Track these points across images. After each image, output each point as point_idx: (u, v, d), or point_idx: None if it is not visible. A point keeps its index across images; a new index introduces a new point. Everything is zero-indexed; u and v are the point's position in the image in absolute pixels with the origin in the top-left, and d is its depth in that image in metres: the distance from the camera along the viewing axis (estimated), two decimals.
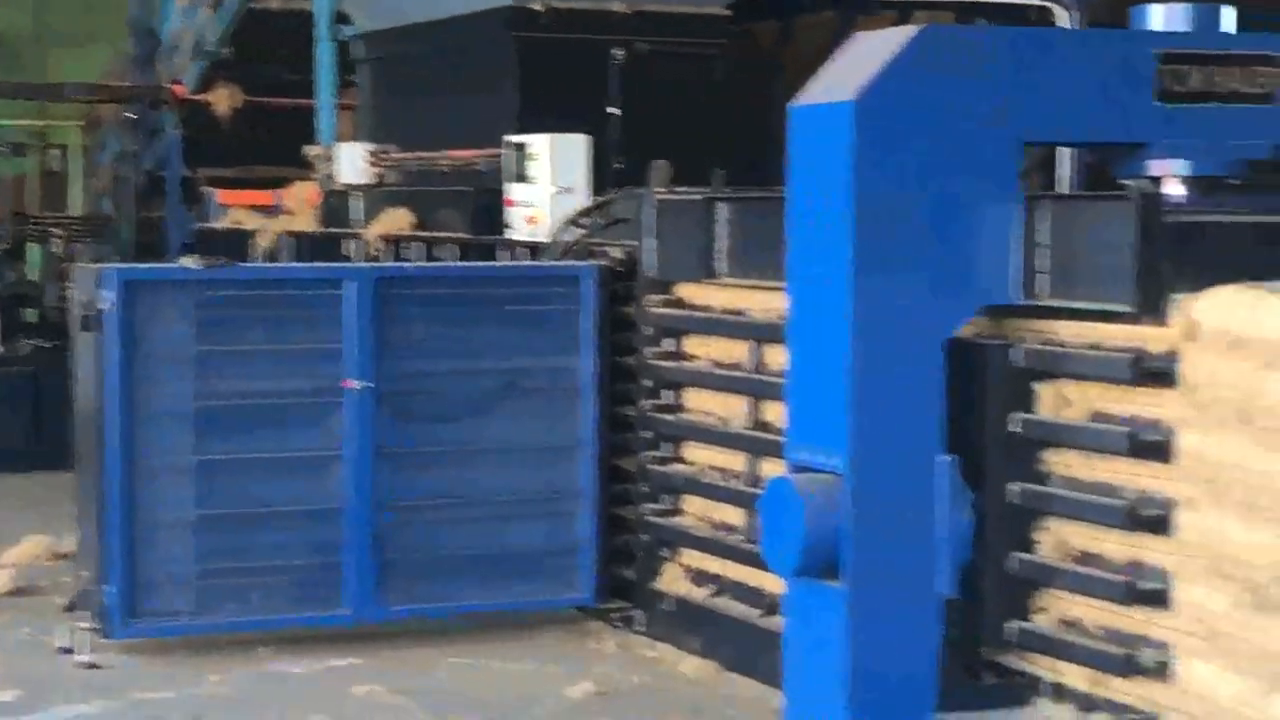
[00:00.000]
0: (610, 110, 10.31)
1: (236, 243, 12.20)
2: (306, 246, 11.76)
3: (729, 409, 8.41)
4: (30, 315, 13.53)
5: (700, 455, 8.69)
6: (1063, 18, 10.43)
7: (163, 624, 8.36)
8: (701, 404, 8.67)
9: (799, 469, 6.76)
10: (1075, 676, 6.66)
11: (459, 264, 10.06)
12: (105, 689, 7.86)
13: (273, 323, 8.48)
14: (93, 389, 8.33)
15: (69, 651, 8.30)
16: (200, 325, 8.34)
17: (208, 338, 8.35)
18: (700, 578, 8.54)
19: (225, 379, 8.38)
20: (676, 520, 8.75)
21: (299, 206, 12.21)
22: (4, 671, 8.07)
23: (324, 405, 8.46)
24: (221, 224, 13.04)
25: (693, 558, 8.61)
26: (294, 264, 11.33)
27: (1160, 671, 6.32)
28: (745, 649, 7.90)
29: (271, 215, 12.42)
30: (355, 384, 8.45)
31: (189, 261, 9.39)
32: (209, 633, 8.45)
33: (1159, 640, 6.35)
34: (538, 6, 10.24)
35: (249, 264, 10.83)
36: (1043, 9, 10.47)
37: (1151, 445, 6.33)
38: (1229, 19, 7.21)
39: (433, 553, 8.68)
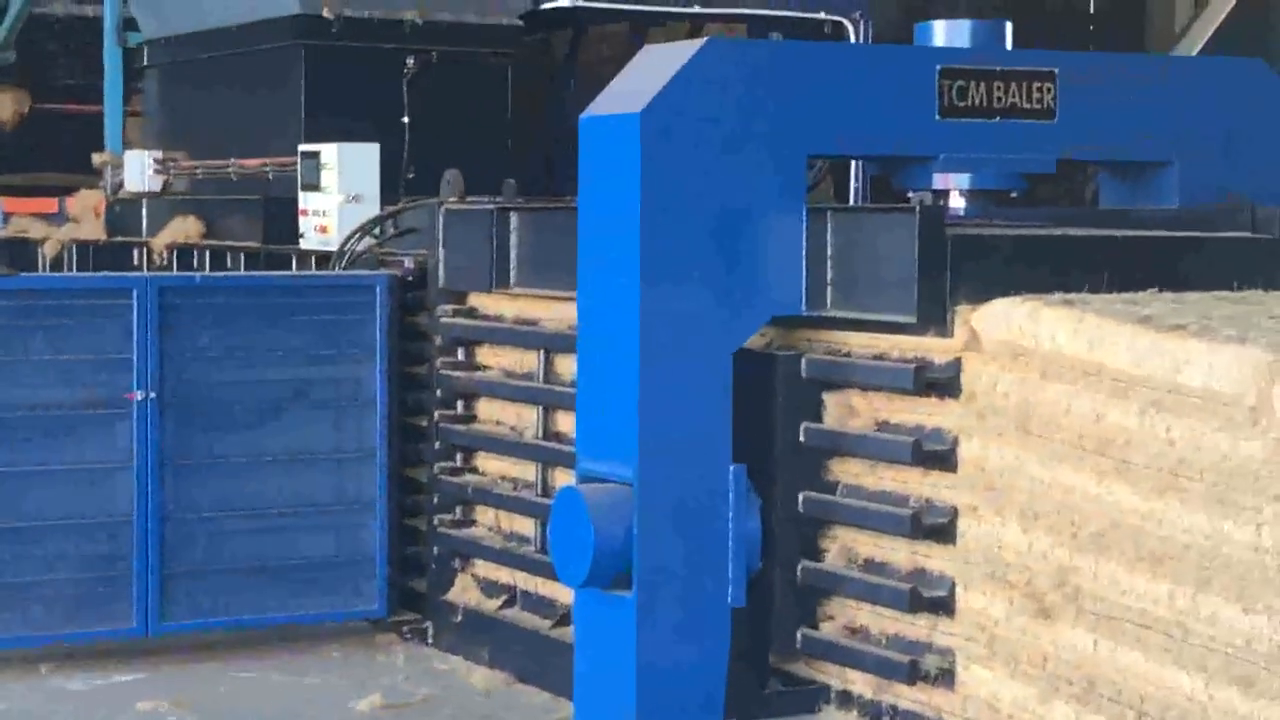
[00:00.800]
0: (402, 119, 10.27)
1: (21, 251, 12.07)
2: (93, 255, 11.60)
3: (521, 419, 8.40)
4: None
5: (493, 465, 8.67)
6: (852, 33, 10.49)
7: None
8: (494, 414, 8.66)
9: (589, 479, 6.77)
10: (861, 684, 6.75)
11: (245, 273, 10.01)
12: None
13: (56, 332, 8.34)
14: None
15: None
16: None
17: None
18: (491, 589, 8.52)
19: (6, 389, 8.23)
20: (468, 531, 8.73)
21: (85, 214, 12.05)
22: None
23: (108, 416, 8.34)
24: (5, 232, 12.84)
25: (484, 569, 8.59)
26: (78, 274, 11.23)
27: (943, 678, 6.42)
28: (536, 660, 7.90)
29: (57, 223, 12.26)
30: (138, 395, 8.33)
31: None
32: None
33: (943, 647, 6.44)
34: (328, 14, 10.17)
35: (31, 273, 10.63)
36: (836, 24, 10.52)
37: (935, 454, 6.42)
38: (1008, 35, 7.38)
39: (219, 564, 8.57)
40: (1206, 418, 5.50)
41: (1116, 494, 5.78)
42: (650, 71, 6.71)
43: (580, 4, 10.23)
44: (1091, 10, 19.41)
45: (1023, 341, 6.14)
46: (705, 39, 6.97)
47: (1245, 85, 7.43)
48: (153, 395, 8.35)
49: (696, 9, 10.86)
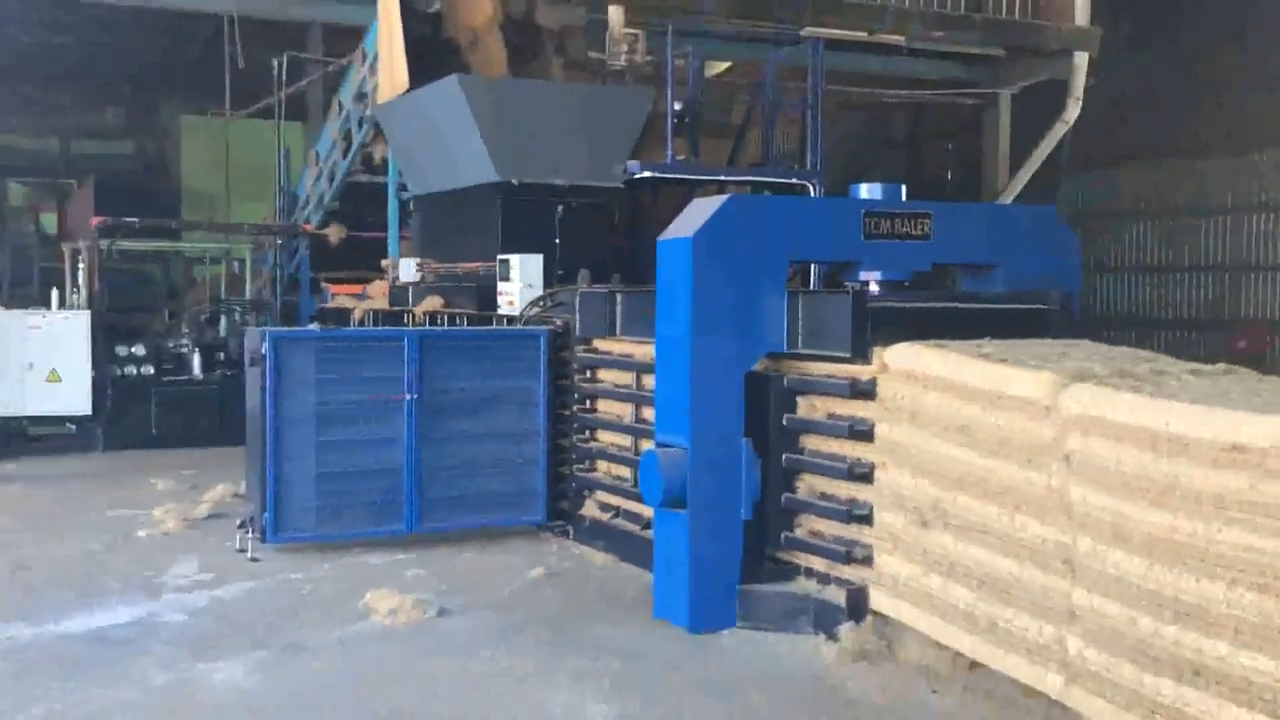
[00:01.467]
0: (555, 240, 10.08)
1: (341, 316, 12.04)
2: (381, 318, 11.50)
3: (622, 411, 8.26)
4: (219, 356, 13.30)
5: (606, 437, 8.49)
6: (812, 190, 10.34)
7: (296, 535, 8.08)
8: (607, 408, 8.48)
9: (661, 445, 6.64)
10: (819, 564, 6.59)
11: (466, 328, 9.83)
12: (262, 573, 7.65)
13: (359, 362, 8.19)
14: (257, 400, 8.08)
15: (242, 551, 8.08)
16: (318, 363, 8.06)
17: (321, 370, 8.07)
18: (605, 508, 8.36)
19: (333, 394, 8.09)
20: (592, 475, 8.54)
21: (377, 294, 12.01)
22: (203, 563, 7.87)
23: (390, 409, 8.20)
24: (332, 305, 12.83)
25: (602, 496, 8.43)
26: (372, 329, 11.03)
27: (867, 561, 6.30)
28: (631, 548, 7.75)
29: (361, 299, 12.23)
30: (406, 397, 8.21)
31: (312, 327, 9.29)
32: (323, 540, 8.17)
33: (866, 543, 6.31)
34: (514, 182, 10.01)
35: (346, 329, 10.55)
36: (803, 185, 10.32)
37: (861, 432, 6.29)
38: (903, 192, 7.25)
39: (451, 494, 8.38)
40: (1020, 413, 5.38)
41: (968, 457, 5.64)
42: (697, 213, 6.57)
43: (655, 175, 10.10)
44: (949, 178, 19.26)
45: (913, 368, 6.02)
46: (728, 195, 6.86)
47: (1042, 222, 7.28)
48: (414, 397, 8.23)
49: (721, 177, 10.65)
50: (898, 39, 13.69)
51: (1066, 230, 7.28)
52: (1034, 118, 15.63)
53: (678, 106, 10.30)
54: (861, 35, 13.54)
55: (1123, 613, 4.86)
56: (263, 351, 7.91)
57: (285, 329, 8.93)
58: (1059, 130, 14.48)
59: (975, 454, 5.59)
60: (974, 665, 5.67)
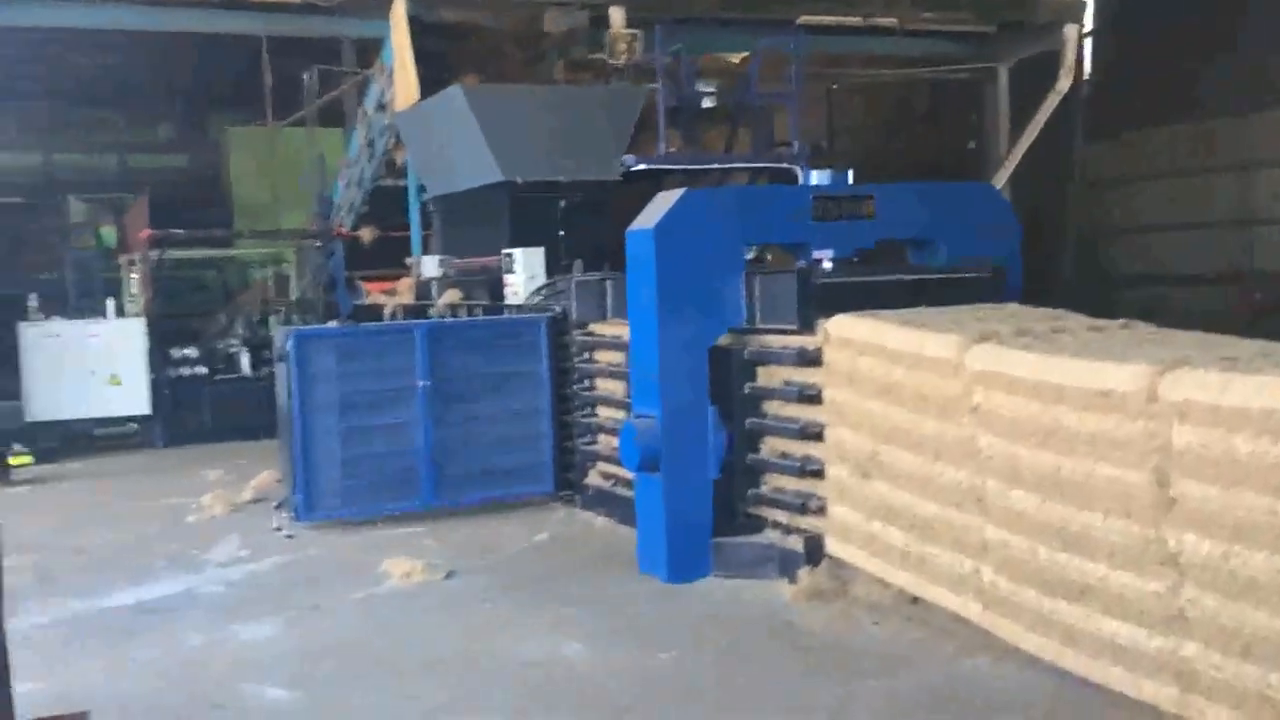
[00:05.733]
0: (558, 233, 10.45)
1: (375, 311, 12.44)
2: (409, 312, 11.92)
3: (616, 387, 8.68)
4: (267, 355, 13.87)
5: (605, 412, 8.92)
6: (799, 174, 10.54)
7: (326, 514, 8.62)
8: (604, 385, 8.91)
9: (638, 416, 7.12)
10: (782, 516, 7.08)
11: (472, 318, 10.22)
12: (295, 548, 8.26)
13: (377, 353, 8.70)
14: (285, 393, 8.61)
15: (279, 529, 8.69)
16: (339, 356, 8.58)
17: (344, 363, 8.57)
18: (606, 477, 8.80)
19: (354, 384, 8.58)
20: (594, 447, 8.96)
21: (405, 290, 12.41)
22: (243, 540, 8.47)
23: (406, 394, 8.69)
24: (366, 301, 13.25)
25: (603, 466, 8.86)
26: (387, 323, 11.31)
27: (821, 511, 6.78)
28: (628, 512, 8.01)
29: (392, 295, 12.59)
30: (421, 383, 8.72)
31: (333, 324, 9.89)
32: (349, 517, 8.67)
33: (819, 495, 6.78)
34: (518, 180, 10.45)
35: (363, 324, 10.97)
36: (788, 170, 10.57)
37: (811, 396, 6.75)
38: (850, 177, 7.70)
39: (463, 470, 8.86)
40: (935, 372, 5.86)
41: (896, 413, 6.12)
42: (659, 206, 7.06)
43: (651, 168, 10.53)
44: (971, 148, 19.51)
45: (849, 336, 6.48)
46: (684, 189, 7.20)
47: (982, 197, 7.75)
48: (428, 383, 8.72)
49: (708, 165, 11.03)
50: (891, 21, 14.07)
51: (1003, 203, 7.75)
52: (1035, 90, 15.88)
53: (673, 101, 10.79)
54: (856, 20, 13.89)
55: (1024, 544, 5.41)
56: (287, 349, 8.51)
57: (308, 327, 9.42)
58: (1052, 101, 14.72)
59: (901, 410, 6.11)
60: (913, 599, 6.23)
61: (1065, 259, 18.13)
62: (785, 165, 10.81)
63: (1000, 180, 14.40)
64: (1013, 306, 6.79)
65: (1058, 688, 5.13)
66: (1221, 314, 14.29)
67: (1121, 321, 6.08)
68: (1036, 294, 7.29)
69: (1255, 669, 4.42)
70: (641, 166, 10.36)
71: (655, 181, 11.27)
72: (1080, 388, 5.06)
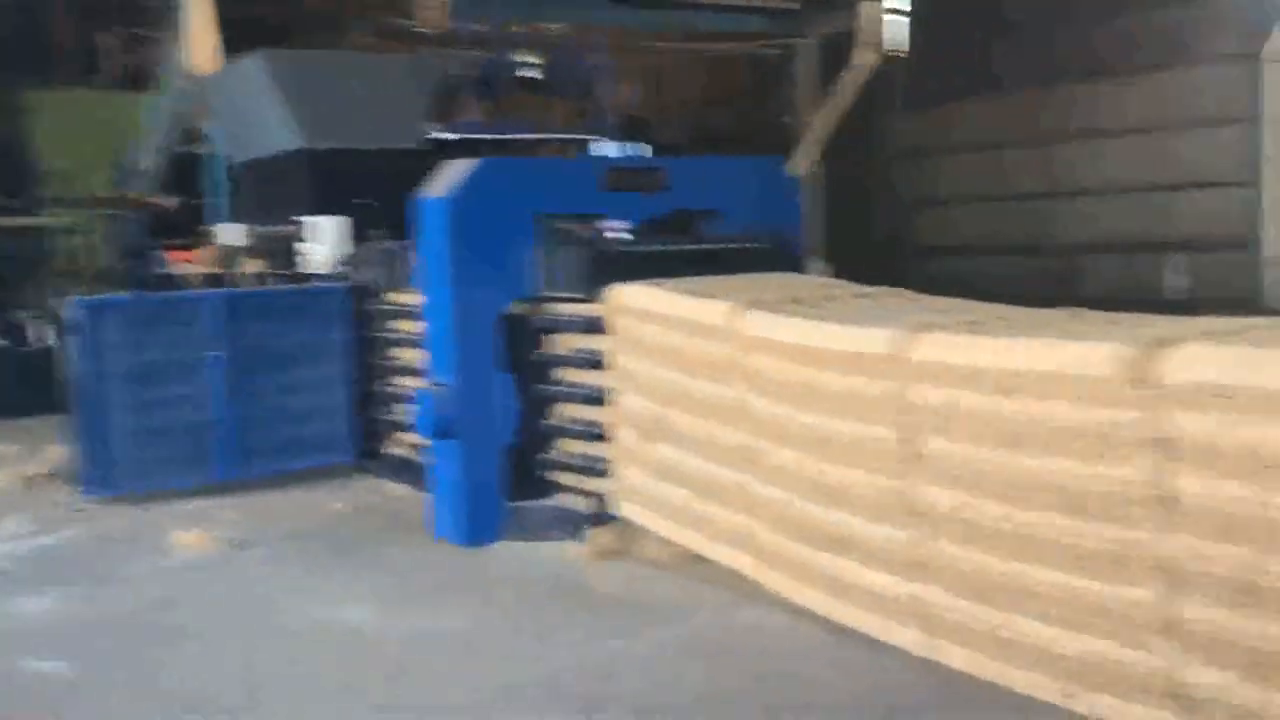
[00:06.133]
0: (354, 202, 10.19)
1: (176, 281, 12.18)
2: (210, 280, 11.64)
3: (414, 357, 8.54)
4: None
5: (406, 381, 8.70)
6: (602, 145, 10.59)
7: (116, 488, 8.46)
8: (402, 355, 8.84)
9: (434, 384, 7.19)
10: (568, 479, 7.25)
11: (268, 288, 10.17)
12: (85, 521, 8.14)
13: (170, 323, 8.56)
14: (74, 364, 8.41)
15: (67, 504, 8.51)
16: (129, 326, 8.43)
17: (134, 333, 8.42)
18: (406, 445, 8.74)
19: (145, 355, 8.45)
20: (391, 416, 8.93)
21: (206, 259, 12.20)
22: (32, 515, 8.30)
23: (199, 365, 8.58)
24: (169, 270, 12.93)
25: (402, 436, 8.80)
26: (178, 293, 11.09)
27: (609, 474, 6.95)
28: (423, 479, 8.05)
29: (193, 264, 12.40)
30: (215, 353, 8.61)
31: (120, 294, 9.64)
32: (142, 491, 8.52)
33: (609, 458, 6.94)
34: (319, 148, 10.37)
35: (155, 293, 10.78)
36: (584, 141, 10.74)
37: (597, 363, 6.90)
38: (646, 150, 7.85)
39: (263, 440, 8.77)
40: (711, 337, 6.08)
41: (677, 377, 6.32)
42: (452, 174, 7.12)
43: (461, 137, 10.53)
44: (786, 122, 19.94)
45: (634, 304, 6.64)
46: (481, 159, 7.27)
47: (768, 171, 7.99)
48: (223, 354, 8.63)
49: (521, 136, 11.09)
50: None
51: (788, 177, 8.01)
52: (842, 66, 16.30)
53: (475, 70, 10.81)
54: None
55: (790, 499, 5.69)
56: (76, 319, 8.32)
57: (97, 297, 9.19)
58: (852, 77, 15.06)
59: (682, 374, 6.31)
60: (697, 557, 6.46)
61: (876, 230, 18.71)
62: (591, 137, 10.94)
63: (808, 154, 14.74)
64: (789, 276, 7.08)
65: (824, 636, 5.41)
66: (1022, 283, 14.95)
67: (887, 289, 6.39)
68: (848, 264, 7.51)
69: (989, 610, 4.76)
70: (446, 136, 10.30)
71: (469, 151, 11.31)
72: (838, 351, 5.34)
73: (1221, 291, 13.80)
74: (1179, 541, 4.05)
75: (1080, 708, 4.42)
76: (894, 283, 6.70)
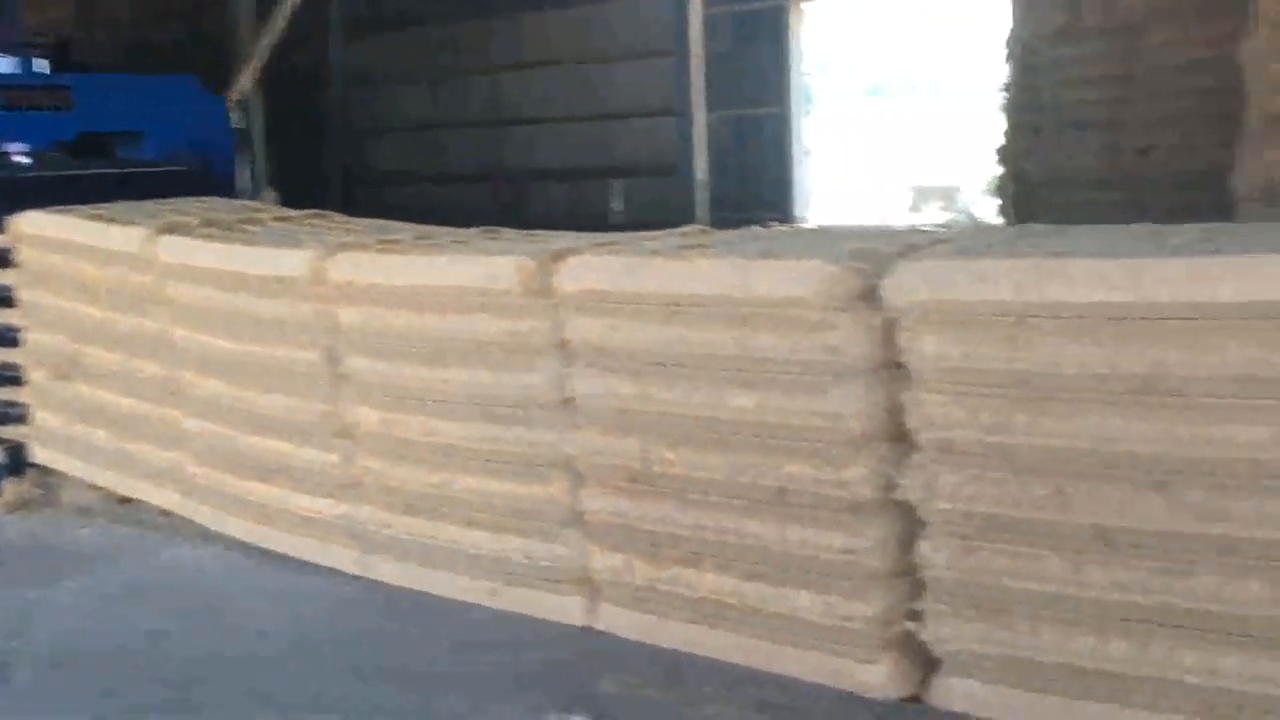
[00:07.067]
0: None
1: None
2: None
3: None
4: None
5: None
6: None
7: None
8: None
9: None
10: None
11: None
12: None
13: None
14: None
15: None
16: None
17: None
18: None
19: None
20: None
21: None
22: None
23: None
24: None
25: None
26: None
27: (24, 419, 6.52)
28: None
29: None
30: None
31: None
32: None
33: (22, 402, 6.52)
34: None
35: None
36: None
37: (6, 299, 6.42)
38: (44, 66, 7.32)
39: None
40: (126, 266, 5.72)
41: (92, 311, 5.93)
42: None
43: None
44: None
45: (41, 234, 6.15)
46: None
47: (186, 91, 7.70)
48: None
49: None
50: None
51: (210, 98, 7.76)
52: None
53: None
54: None
55: (220, 430, 5.55)
56: None
57: None
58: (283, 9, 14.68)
59: (97, 308, 5.96)
60: (123, 499, 6.17)
61: (329, 161, 18.53)
62: None
63: (246, 79, 14.23)
64: (210, 200, 6.84)
65: (253, 565, 5.34)
66: (473, 211, 15.32)
67: (312, 212, 6.33)
68: (301, 194, 7.32)
69: (419, 522, 4.89)
70: None
71: None
72: (259, 275, 5.23)
73: (660, 214, 14.86)
74: (580, 438, 4.33)
75: (502, 604, 4.65)
76: (348, 213, 6.63)
